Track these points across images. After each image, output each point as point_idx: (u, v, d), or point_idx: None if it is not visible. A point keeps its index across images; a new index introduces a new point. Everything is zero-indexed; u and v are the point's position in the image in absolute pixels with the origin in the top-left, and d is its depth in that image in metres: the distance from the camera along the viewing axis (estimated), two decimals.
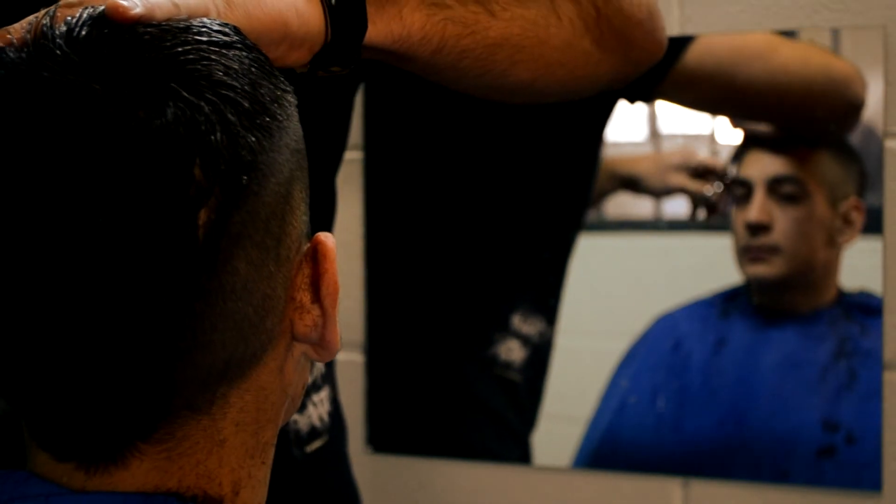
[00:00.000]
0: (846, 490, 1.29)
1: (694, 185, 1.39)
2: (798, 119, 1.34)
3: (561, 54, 0.89)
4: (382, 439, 1.49)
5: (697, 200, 1.39)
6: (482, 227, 1.45)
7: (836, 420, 1.30)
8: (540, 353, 1.43)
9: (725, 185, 1.37)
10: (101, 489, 0.58)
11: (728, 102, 1.38)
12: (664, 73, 1.34)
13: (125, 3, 0.58)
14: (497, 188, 1.44)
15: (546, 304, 1.43)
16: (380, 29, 0.77)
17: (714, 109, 1.40)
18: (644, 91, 1.38)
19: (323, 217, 0.98)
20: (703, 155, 1.39)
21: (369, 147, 1.47)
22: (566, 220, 1.43)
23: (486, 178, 1.45)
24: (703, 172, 1.39)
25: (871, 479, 1.28)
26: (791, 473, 1.31)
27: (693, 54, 1.34)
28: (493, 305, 1.44)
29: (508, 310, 1.43)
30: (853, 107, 1.30)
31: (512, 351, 1.43)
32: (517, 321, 1.43)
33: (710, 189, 1.38)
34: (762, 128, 1.36)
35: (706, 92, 1.37)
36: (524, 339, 1.43)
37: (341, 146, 1.02)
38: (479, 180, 1.45)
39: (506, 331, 1.43)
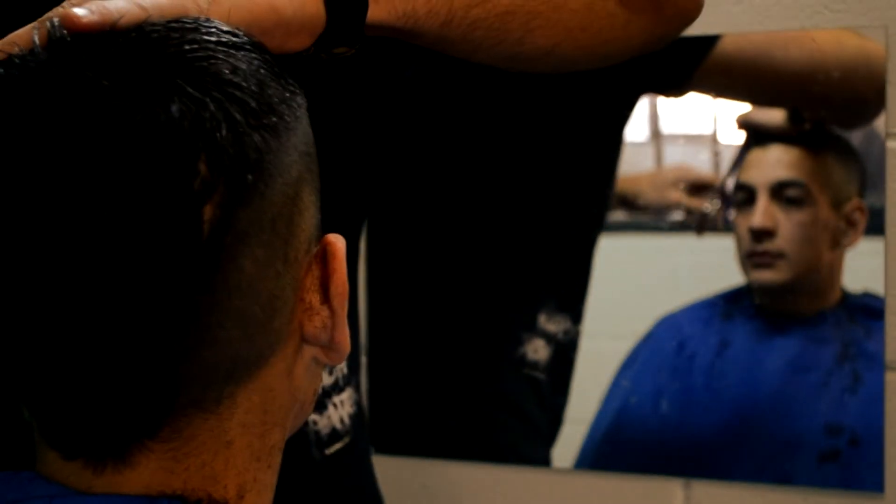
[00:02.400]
0: (849, 492, 1.29)
1: (691, 201, 1.37)
2: (836, 100, 1.30)
3: (582, 18, 0.85)
4: (384, 440, 1.49)
5: (695, 217, 1.37)
6: (482, 229, 1.45)
7: (840, 422, 1.29)
8: (566, 351, 1.41)
9: (724, 198, 1.35)
10: (107, 489, 0.58)
11: (766, 87, 1.34)
12: (698, 61, 1.32)
13: (77, 11, 0.58)
14: (501, 190, 1.44)
15: (570, 305, 1.41)
16: (382, 7, 0.74)
17: (751, 96, 1.36)
18: (676, 82, 1.36)
19: (354, 219, 0.96)
20: (702, 162, 1.38)
21: None
22: (583, 219, 1.41)
23: (491, 179, 1.44)
24: (700, 188, 1.37)
25: (873, 481, 1.28)
26: (793, 475, 1.31)
27: (728, 39, 1.32)
28: (520, 303, 1.43)
29: (535, 308, 1.41)
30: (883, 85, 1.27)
31: (538, 350, 1.41)
32: (543, 320, 1.42)
33: (709, 206, 1.36)
34: (772, 120, 1.33)
35: (744, 78, 1.33)
36: (548, 338, 1.41)
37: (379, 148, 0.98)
38: (484, 181, 1.44)
39: (533, 330, 1.41)
